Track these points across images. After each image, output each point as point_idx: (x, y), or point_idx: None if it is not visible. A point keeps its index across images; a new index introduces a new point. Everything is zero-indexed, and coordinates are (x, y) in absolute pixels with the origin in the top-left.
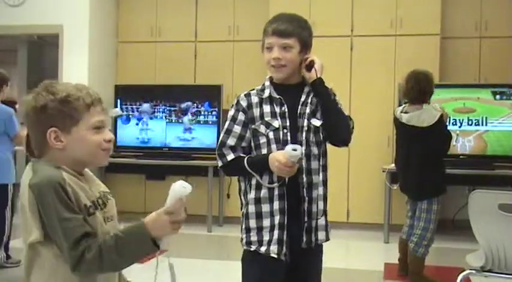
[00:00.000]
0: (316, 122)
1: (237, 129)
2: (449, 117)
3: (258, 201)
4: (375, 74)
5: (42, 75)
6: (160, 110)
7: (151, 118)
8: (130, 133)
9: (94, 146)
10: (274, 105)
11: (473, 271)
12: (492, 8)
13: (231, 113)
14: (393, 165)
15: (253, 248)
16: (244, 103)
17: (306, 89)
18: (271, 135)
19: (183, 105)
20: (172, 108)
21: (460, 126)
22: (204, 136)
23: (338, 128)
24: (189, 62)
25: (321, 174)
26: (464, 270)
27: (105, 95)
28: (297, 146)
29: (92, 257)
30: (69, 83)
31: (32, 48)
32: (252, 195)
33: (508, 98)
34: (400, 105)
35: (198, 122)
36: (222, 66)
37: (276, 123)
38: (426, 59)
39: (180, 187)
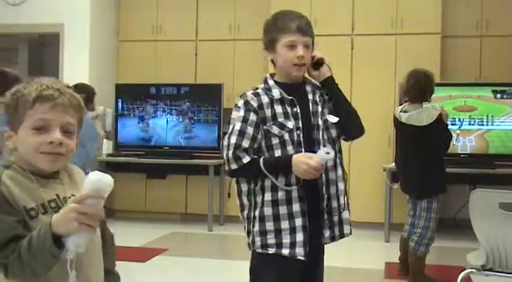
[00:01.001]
0: (334, 119)
1: (250, 130)
2: (449, 116)
3: (275, 203)
4: (375, 73)
5: (43, 74)
6: (161, 108)
7: (152, 117)
8: (131, 132)
9: (31, 148)
10: (286, 105)
11: (474, 270)
12: (493, 7)
13: (241, 113)
14: (394, 164)
15: (271, 250)
16: (254, 103)
17: (309, 88)
18: (286, 136)
19: (184, 104)
20: (172, 107)
21: (460, 126)
22: (205, 135)
23: (353, 124)
24: (190, 61)
25: (339, 170)
26: (465, 269)
27: (106, 94)
28: (330, 149)
29: (13, 260)
30: (48, 78)
31: (32, 47)
32: (267, 197)
33: (509, 96)
34: (400, 104)
35: (199, 120)
36: (222, 65)
37: (290, 124)
38: (427, 58)
39: (97, 180)
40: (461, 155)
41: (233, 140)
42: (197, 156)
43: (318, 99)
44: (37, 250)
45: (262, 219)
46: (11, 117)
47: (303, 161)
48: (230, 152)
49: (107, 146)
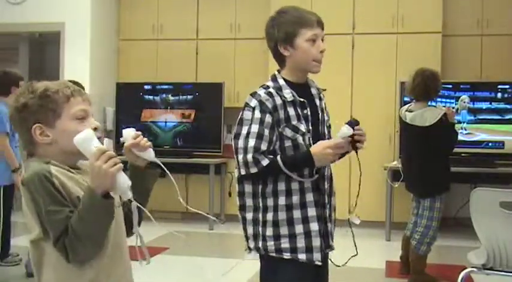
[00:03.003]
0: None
1: (267, 132)
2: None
3: (289, 207)
4: (376, 72)
5: (44, 73)
6: (162, 107)
7: (152, 116)
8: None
9: None
10: (297, 107)
11: (475, 269)
12: (493, 6)
13: (257, 115)
14: (395, 163)
15: (287, 256)
16: (269, 104)
17: (314, 91)
18: (300, 139)
19: (184, 103)
20: (173, 106)
21: (462, 125)
22: (206, 134)
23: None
24: (191, 60)
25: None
26: (465, 268)
27: (107, 93)
28: (347, 126)
29: (70, 241)
30: (47, 81)
31: (33, 46)
32: (281, 201)
33: (510, 95)
34: (401, 103)
35: (200, 119)
36: (223, 64)
37: (303, 128)
38: (427, 57)
39: (80, 136)
40: (462, 154)
41: (252, 143)
42: (198, 155)
43: (323, 106)
44: (88, 213)
45: (276, 223)
46: (39, 115)
47: (326, 146)
48: (249, 156)
49: (108, 145)
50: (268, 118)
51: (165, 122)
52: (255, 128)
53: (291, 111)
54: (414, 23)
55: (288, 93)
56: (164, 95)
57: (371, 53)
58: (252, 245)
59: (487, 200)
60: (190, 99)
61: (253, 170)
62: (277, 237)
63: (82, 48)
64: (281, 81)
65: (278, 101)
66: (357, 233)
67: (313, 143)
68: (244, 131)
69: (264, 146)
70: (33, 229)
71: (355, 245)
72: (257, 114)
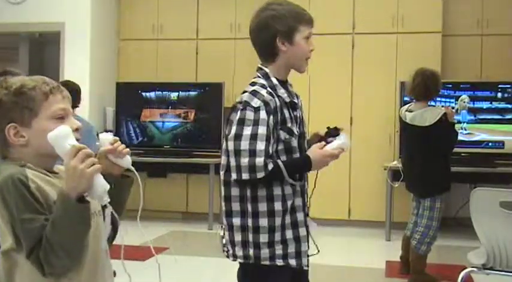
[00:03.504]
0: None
1: (270, 134)
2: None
3: (285, 213)
4: (376, 72)
5: (44, 73)
6: (162, 107)
7: (152, 116)
8: (131, 131)
9: None
10: (290, 109)
11: (475, 269)
12: (493, 6)
13: (262, 116)
14: (395, 163)
15: (279, 262)
16: (272, 105)
17: (290, 88)
18: (294, 143)
19: (185, 103)
20: (173, 106)
21: (462, 125)
22: (206, 134)
23: None
24: (191, 60)
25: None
26: (466, 268)
27: (107, 92)
28: (346, 136)
29: (44, 252)
30: (24, 76)
31: (33, 46)
32: (278, 206)
33: (510, 95)
34: (401, 103)
35: (200, 119)
36: (223, 64)
37: (295, 130)
38: (428, 57)
39: (54, 133)
40: (462, 154)
41: (262, 146)
42: (198, 155)
43: (300, 105)
44: (62, 221)
45: (272, 229)
46: (13, 113)
47: (326, 155)
48: (259, 160)
49: (105, 140)
50: (271, 120)
51: (165, 122)
52: (262, 129)
53: (286, 113)
54: (414, 23)
55: (283, 93)
56: (164, 95)
57: (371, 53)
58: (239, 253)
59: (487, 200)
60: (190, 99)
61: (260, 174)
62: (271, 243)
63: (82, 48)
64: (274, 80)
65: (278, 102)
66: (357, 232)
67: (300, 144)
68: (248, 132)
69: (271, 149)
70: (5, 238)
71: (315, 244)
72: (263, 115)
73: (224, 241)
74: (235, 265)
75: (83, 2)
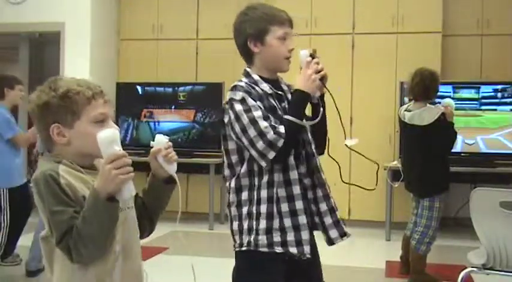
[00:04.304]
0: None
1: (266, 114)
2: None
3: (282, 199)
4: (376, 72)
5: (44, 73)
6: (162, 107)
7: (152, 116)
8: (131, 131)
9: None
10: (276, 100)
11: (475, 269)
12: (493, 6)
13: (251, 102)
14: (395, 162)
15: (278, 249)
16: (255, 93)
17: (285, 87)
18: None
19: (184, 103)
20: (173, 106)
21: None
22: (206, 134)
23: (324, 144)
24: (191, 60)
25: (322, 174)
26: (466, 268)
27: (107, 93)
28: (302, 50)
29: (74, 241)
30: (72, 78)
31: (33, 46)
32: (281, 192)
33: (510, 95)
34: (401, 103)
35: (200, 119)
36: (223, 64)
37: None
38: (427, 57)
39: (104, 137)
40: (462, 154)
41: (264, 123)
42: (198, 155)
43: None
44: (92, 216)
45: (270, 216)
46: (58, 115)
47: (304, 72)
48: (270, 135)
49: (160, 141)
50: (260, 104)
51: (165, 122)
52: (257, 113)
53: (273, 102)
54: (414, 23)
55: (265, 87)
56: (164, 95)
57: (371, 53)
58: (246, 239)
59: (487, 200)
60: (190, 99)
61: (281, 142)
62: (269, 230)
63: (82, 48)
64: (255, 77)
65: (259, 91)
66: (357, 232)
67: None
68: (246, 120)
69: (274, 123)
70: (45, 226)
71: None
72: (251, 102)
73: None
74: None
75: (83, 2)
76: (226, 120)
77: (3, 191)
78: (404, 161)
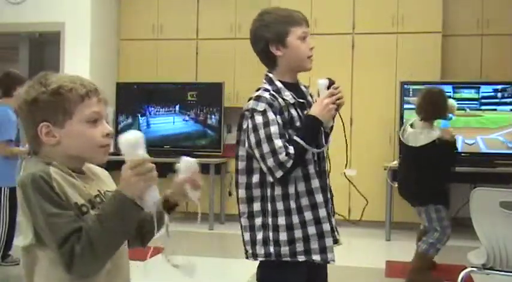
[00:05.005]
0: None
1: (283, 132)
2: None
3: (300, 210)
4: (376, 72)
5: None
6: (162, 107)
7: (152, 116)
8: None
9: (90, 141)
10: (298, 108)
11: (475, 269)
12: (493, 6)
13: (271, 116)
14: (395, 162)
15: (301, 258)
16: (277, 105)
17: (304, 89)
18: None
19: (185, 103)
20: (173, 106)
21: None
22: (206, 134)
23: None
24: (191, 60)
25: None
26: (466, 268)
27: (107, 93)
28: (321, 80)
29: (82, 246)
30: (65, 74)
31: (33, 46)
32: (292, 204)
33: (510, 95)
34: (401, 103)
35: (200, 119)
36: (223, 64)
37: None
38: (428, 57)
39: (126, 140)
40: (462, 154)
41: (279, 143)
42: (198, 155)
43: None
44: (118, 218)
45: (290, 227)
46: (48, 112)
47: (322, 101)
48: (282, 156)
49: (187, 167)
50: (279, 119)
51: (165, 121)
52: (274, 128)
53: (293, 112)
54: (414, 23)
55: (288, 95)
56: (164, 95)
57: (371, 53)
58: (261, 251)
59: (487, 200)
60: (190, 99)
61: (289, 164)
62: (291, 241)
63: (82, 48)
64: (278, 84)
65: (282, 103)
66: (357, 232)
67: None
68: (263, 134)
69: (287, 143)
70: (26, 234)
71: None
72: (271, 116)
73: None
74: (235, 265)
75: (83, 2)
76: (244, 127)
77: (4, 189)
78: (400, 174)
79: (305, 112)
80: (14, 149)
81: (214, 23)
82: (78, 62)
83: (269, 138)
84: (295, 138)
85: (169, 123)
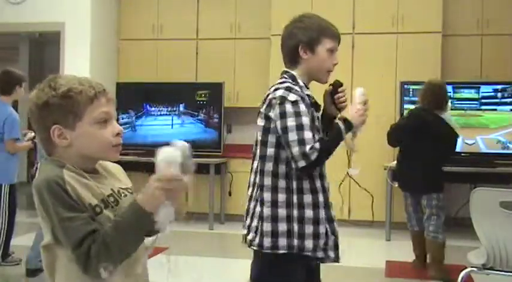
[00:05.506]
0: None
1: (312, 125)
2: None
3: (315, 206)
4: (376, 72)
5: (44, 73)
6: (162, 107)
7: (152, 116)
8: (131, 131)
9: (101, 141)
10: (314, 109)
11: (475, 269)
12: (493, 5)
13: (302, 108)
14: (395, 162)
15: (320, 254)
16: (307, 101)
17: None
18: None
19: (185, 103)
20: (173, 106)
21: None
22: (206, 134)
23: None
24: (191, 60)
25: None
26: (466, 268)
27: (109, 91)
28: (360, 89)
29: (98, 249)
30: (73, 76)
31: (33, 46)
32: (308, 199)
33: (510, 95)
34: (401, 103)
35: (200, 119)
36: (223, 64)
37: (320, 129)
38: (428, 57)
39: (167, 152)
40: (462, 154)
41: (309, 134)
42: (198, 155)
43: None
44: (129, 229)
45: (316, 221)
46: (58, 115)
47: (354, 110)
48: (308, 146)
49: None
50: (309, 114)
51: (165, 121)
52: (306, 120)
53: (314, 113)
54: (414, 23)
55: (307, 96)
56: (164, 95)
57: (371, 53)
58: (282, 243)
59: (487, 200)
60: (190, 99)
61: (314, 156)
62: (301, 235)
63: (82, 48)
64: (301, 82)
65: (308, 100)
66: (357, 232)
67: None
68: (293, 123)
69: (316, 135)
70: (45, 234)
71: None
72: (302, 107)
73: (246, 231)
74: (235, 265)
75: (83, 2)
76: (272, 114)
77: (4, 186)
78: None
79: (318, 114)
80: (20, 146)
81: (214, 23)
82: (78, 62)
83: (300, 127)
84: (327, 139)
85: (168, 123)
